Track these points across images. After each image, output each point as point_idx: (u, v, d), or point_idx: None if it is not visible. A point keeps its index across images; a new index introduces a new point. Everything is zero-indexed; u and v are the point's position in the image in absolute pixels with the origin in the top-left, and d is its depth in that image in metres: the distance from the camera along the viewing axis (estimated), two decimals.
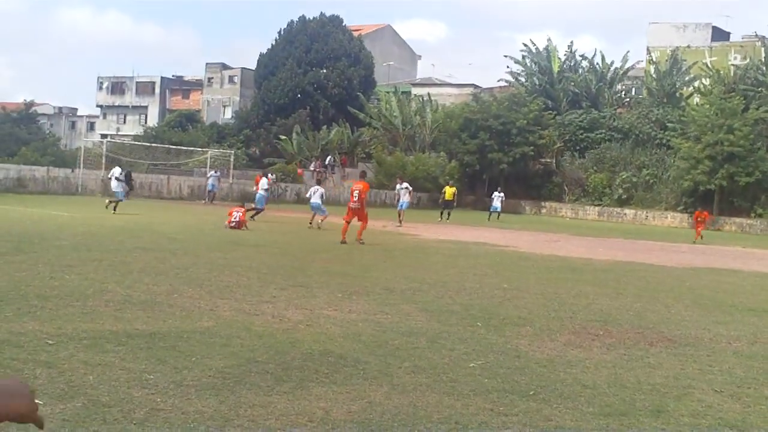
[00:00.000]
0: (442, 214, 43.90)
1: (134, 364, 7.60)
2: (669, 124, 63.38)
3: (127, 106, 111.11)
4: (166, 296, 11.56)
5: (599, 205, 63.02)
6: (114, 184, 33.20)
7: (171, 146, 63.42)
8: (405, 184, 38.52)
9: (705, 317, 12.96)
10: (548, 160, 66.49)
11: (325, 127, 73.41)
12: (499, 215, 48.65)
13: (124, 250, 17.67)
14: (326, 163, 67.23)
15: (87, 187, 47.39)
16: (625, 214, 60.98)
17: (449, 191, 44.15)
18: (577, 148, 66.87)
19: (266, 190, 33.74)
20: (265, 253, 19.12)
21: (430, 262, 19.85)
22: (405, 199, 37.96)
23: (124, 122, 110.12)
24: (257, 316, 10.47)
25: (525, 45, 75.83)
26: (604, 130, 66.09)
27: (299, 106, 76.75)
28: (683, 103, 66.36)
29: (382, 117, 70.98)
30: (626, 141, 64.95)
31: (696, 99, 66.44)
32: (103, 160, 49.41)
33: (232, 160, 57.64)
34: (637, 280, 18.55)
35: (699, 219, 38.91)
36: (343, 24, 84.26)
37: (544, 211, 65.17)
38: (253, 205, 31.99)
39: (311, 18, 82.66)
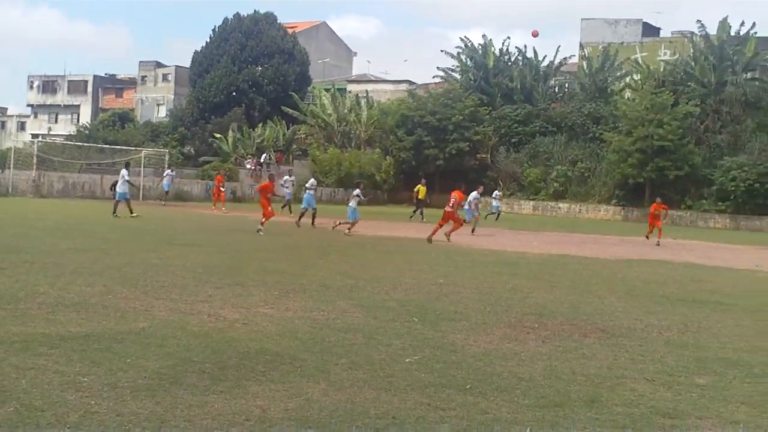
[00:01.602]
0: (414, 212, 42.79)
1: (68, 366, 7.51)
2: (601, 119, 64.14)
3: (59, 105, 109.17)
4: (100, 297, 11.43)
5: (534, 199, 63.51)
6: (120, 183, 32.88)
7: (105, 145, 62.65)
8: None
9: (637, 308, 13.18)
10: (484, 156, 66.83)
11: (260, 124, 72.98)
12: (498, 215, 46.28)
13: (57, 251, 17.41)
14: (262, 160, 66.86)
15: (18, 188, 46.61)
16: (560, 207, 61.54)
17: (422, 190, 43.60)
18: (512, 141, 67.24)
19: (312, 189, 32.78)
20: (200, 252, 18.97)
21: (366, 258, 19.87)
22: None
23: (56, 122, 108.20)
24: (193, 316, 10.40)
25: (462, 39, 76.15)
26: (538, 123, 66.60)
27: (234, 104, 76.23)
28: (615, 98, 67.19)
29: (317, 114, 70.77)
30: (560, 135, 65.55)
31: (627, 94, 67.31)
32: (34, 161, 48.62)
33: (167, 158, 57.03)
34: (571, 273, 18.78)
35: (655, 213, 32.83)
36: (278, 21, 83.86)
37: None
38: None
39: (245, 15, 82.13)
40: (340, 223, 28.42)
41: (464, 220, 29.71)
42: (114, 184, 48.63)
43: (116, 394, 6.71)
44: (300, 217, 30.94)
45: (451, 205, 27.73)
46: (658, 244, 30.66)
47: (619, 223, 53.65)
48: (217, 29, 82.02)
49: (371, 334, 9.82)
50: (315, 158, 64.02)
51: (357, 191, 30.21)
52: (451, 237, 26.94)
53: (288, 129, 73.12)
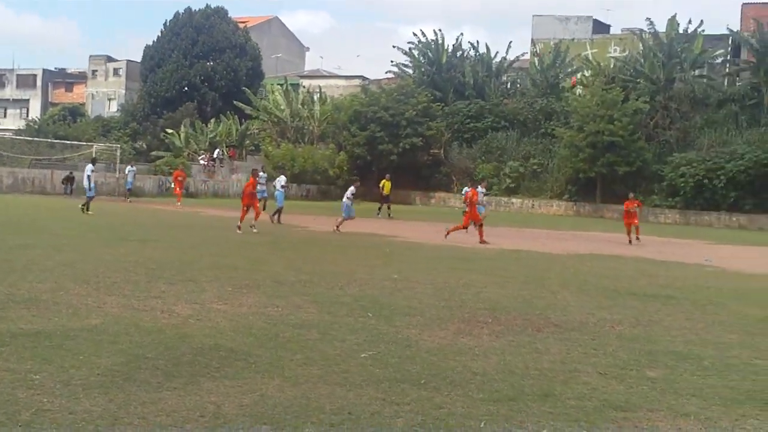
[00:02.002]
0: (380, 208, 42.47)
1: (19, 364, 7.42)
2: (553, 114, 64.60)
3: (8, 100, 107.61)
4: (52, 294, 11.30)
5: (487, 194, 63.70)
6: (84, 181, 32.30)
7: (55, 140, 61.90)
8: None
9: (589, 302, 13.30)
10: (437, 151, 66.95)
11: (213, 119, 72.55)
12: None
13: (6, 247, 17.19)
14: (215, 156, 66.48)
15: None
16: (513, 203, 61.85)
17: (387, 185, 43.32)
18: (465, 137, 67.44)
19: (283, 187, 33.35)
20: (152, 248, 18.82)
21: (320, 253, 19.84)
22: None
23: (5, 116, 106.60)
24: (146, 312, 10.32)
25: (415, 34, 76.41)
26: (491, 119, 66.83)
27: (186, 99, 75.74)
28: (566, 94, 67.71)
29: (270, 110, 70.47)
30: (512, 131, 65.88)
31: (578, 90, 67.86)
32: None
33: (118, 154, 56.48)
34: (525, 268, 18.91)
35: (630, 210, 30.82)
36: (229, 16, 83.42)
37: (433, 201, 65.57)
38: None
39: (197, 10, 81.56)
40: (337, 227, 28.11)
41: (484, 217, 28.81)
42: (66, 178, 48.18)
43: (69, 392, 6.64)
44: (278, 215, 30.70)
45: (465, 202, 27.88)
46: (638, 239, 29.84)
47: (572, 218, 54.08)
48: (168, 24, 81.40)
49: (326, 329, 9.81)
50: (268, 154, 63.72)
51: (352, 189, 30.35)
52: (451, 236, 26.73)
53: (241, 124, 72.74)
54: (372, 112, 63.95)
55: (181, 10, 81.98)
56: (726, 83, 65.23)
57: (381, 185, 44.10)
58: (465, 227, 27.30)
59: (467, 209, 27.54)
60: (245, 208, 25.88)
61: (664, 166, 56.06)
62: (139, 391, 6.77)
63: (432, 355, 8.70)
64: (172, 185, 47.10)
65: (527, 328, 10.58)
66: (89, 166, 33.07)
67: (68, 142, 60.14)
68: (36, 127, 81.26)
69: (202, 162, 64.40)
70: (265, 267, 16.15)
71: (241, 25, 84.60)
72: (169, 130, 70.36)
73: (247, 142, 73.06)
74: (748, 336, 10.90)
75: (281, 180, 33.71)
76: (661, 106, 60.69)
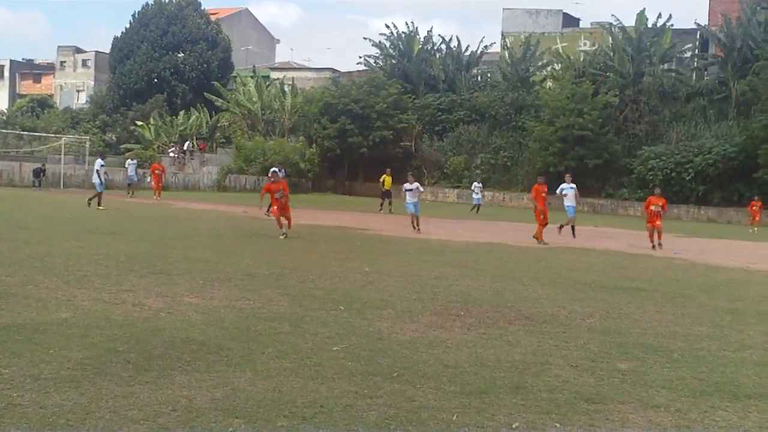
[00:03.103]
0: (382, 204, 41.93)
1: None
2: (524, 108, 64.79)
3: None
4: (21, 287, 11.21)
5: (458, 187, 63.86)
6: (94, 176, 31.82)
7: (23, 132, 61.40)
8: (416, 184, 28.88)
9: (560, 295, 13.37)
10: (408, 144, 66.98)
11: (182, 112, 72.23)
12: (479, 208, 46.01)
13: None
14: (185, 148, 66.23)
15: None
16: (484, 195, 62.01)
17: (388, 180, 42.76)
18: (436, 129, 67.56)
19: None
20: (123, 241, 18.71)
21: (291, 247, 19.80)
22: (413, 199, 28.60)
23: None
24: (117, 305, 10.27)
25: (387, 26, 76.38)
26: (462, 112, 66.93)
27: (156, 91, 75.39)
28: (537, 88, 67.96)
29: (242, 102, 70.21)
30: (483, 124, 66.04)
31: (549, 83, 68.11)
32: None
33: (87, 146, 56.14)
34: (496, 261, 18.99)
35: (654, 209, 26.38)
36: (201, 7, 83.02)
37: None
38: None
39: (167, 1, 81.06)
40: (415, 226, 27.50)
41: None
42: (37, 171, 47.73)
43: (39, 386, 6.59)
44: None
45: (534, 198, 26.22)
46: (660, 245, 25.38)
47: None
48: (137, 14, 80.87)
49: (297, 322, 9.80)
50: (240, 146, 63.50)
51: (416, 184, 28.55)
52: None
53: (211, 117, 72.45)
54: (342, 105, 63.85)
55: (151, 1, 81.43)
56: (694, 77, 65.77)
57: (381, 180, 43.61)
58: (544, 224, 25.64)
59: (538, 206, 25.93)
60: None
61: (633, 159, 56.49)
62: (110, 384, 6.73)
63: (404, 347, 8.71)
64: (149, 179, 46.32)
65: (499, 321, 10.63)
66: (99, 161, 32.72)
67: (37, 134, 59.69)
68: (4, 118, 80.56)
69: (171, 154, 64.10)
70: (236, 260, 16.10)
71: (212, 17, 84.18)
72: (139, 123, 69.97)
73: (218, 134, 72.81)
74: (717, 328, 11.00)
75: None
76: (630, 99, 61.06)
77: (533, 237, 25.50)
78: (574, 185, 29.42)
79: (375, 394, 6.89)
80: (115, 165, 56.13)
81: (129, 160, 46.92)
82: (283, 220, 22.19)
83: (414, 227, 27.59)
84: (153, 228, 23.40)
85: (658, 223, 26.05)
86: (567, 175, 31.36)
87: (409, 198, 28.23)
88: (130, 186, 44.04)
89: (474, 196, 47.60)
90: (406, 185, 28.76)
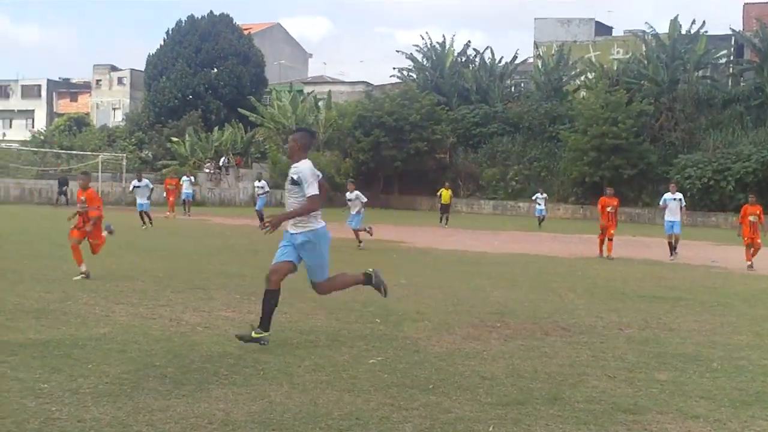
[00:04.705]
0: (441, 218, 40.76)
1: (27, 373, 7.42)
2: (557, 118, 64.62)
3: (13, 111, 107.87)
4: (60, 303, 11.32)
5: (494, 198, 63.80)
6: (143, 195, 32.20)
7: (61, 151, 62.06)
8: (357, 193, 26.07)
9: (597, 305, 13.28)
10: (442, 156, 66.96)
11: (217, 127, 72.65)
12: (542, 220, 43.33)
13: (14, 257, 17.24)
14: (220, 164, 66.61)
15: None
16: (520, 207, 61.83)
17: (446, 194, 41.48)
18: (470, 143, 67.54)
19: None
20: (159, 257, 18.85)
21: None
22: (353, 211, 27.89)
23: (11, 127, 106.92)
24: (154, 320, 10.34)
25: (422, 37, 76.60)
26: (496, 124, 66.85)
27: (191, 107, 75.86)
28: (570, 98, 67.79)
29: (276, 117, 70.50)
30: (517, 135, 65.94)
31: (582, 93, 67.91)
32: None
33: (124, 163, 56.69)
34: (532, 272, 18.91)
35: (752, 218, 22.86)
36: (234, 23, 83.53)
37: (438, 205, 65.66)
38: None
39: (200, 17, 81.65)
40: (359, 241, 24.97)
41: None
42: (61, 185, 47.74)
43: (77, 400, 6.64)
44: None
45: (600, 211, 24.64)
46: (752, 267, 21.94)
47: (579, 221, 54.02)
48: (171, 32, 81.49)
49: (334, 335, 9.81)
50: (275, 161, 63.73)
51: (356, 192, 25.79)
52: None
53: (246, 132, 72.83)
54: (376, 117, 63.96)
55: (184, 18, 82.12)
56: (730, 84, 65.27)
57: (438, 194, 42.31)
58: (602, 238, 24.36)
59: (602, 220, 24.29)
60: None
61: (670, 168, 56.04)
62: (147, 398, 6.77)
63: (440, 359, 8.69)
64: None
65: (535, 332, 10.57)
66: (146, 181, 33.45)
67: (74, 152, 60.25)
68: (42, 137, 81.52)
69: (206, 170, 64.48)
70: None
71: (245, 32, 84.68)
72: (174, 139, 70.46)
73: (253, 149, 73.16)
74: (757, 337, 10.88)
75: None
76: (665, 107, 60.72)
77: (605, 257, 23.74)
78: (679, 195, 25.36)
79: (411, 406, 6.87)
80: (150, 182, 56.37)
81: (184, 176, 45.13)
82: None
83: (358, 243, 24.53)
84: (189, 243, 23.56)
85: (757, 238, 22.63)
86: (672, 183, 27.25)
87: (352, 210, 25.51)
88: (186, 203, 42.47)
89: (537, 207, 44.31)
90: (347, 194, 26.17)
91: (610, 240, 24.07)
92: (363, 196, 25.92)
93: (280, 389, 7.23)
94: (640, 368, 8.62)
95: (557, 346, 9.71)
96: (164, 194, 42.98)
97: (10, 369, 7.56)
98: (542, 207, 43.80)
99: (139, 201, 32.00)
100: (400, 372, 8.04)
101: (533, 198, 45.70)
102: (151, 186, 33.31)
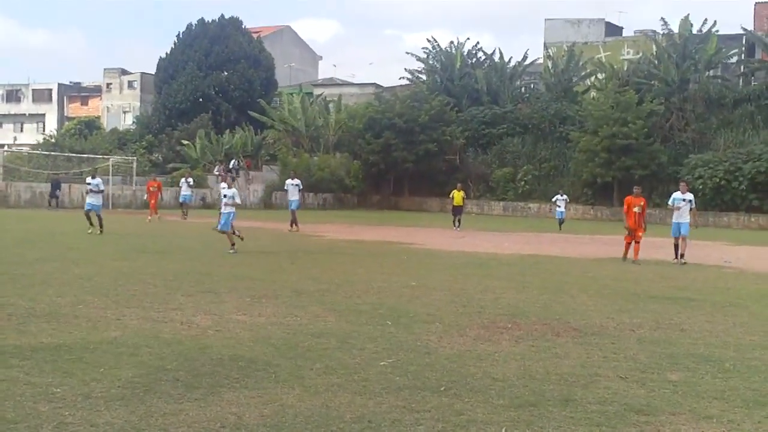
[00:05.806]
0: (454, 221, 38.74)
1: (40, 378, 7.44)
2: (567, 118, 64.53)
3: (24, 114, 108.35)
4: (71, 307, 11.34)
5: (504, 199, 63.73)
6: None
7: (72, 154, 62.12)
8: (233, 190, 23.53)
9: (609, 306, 13.25)
10: (452, 157, 66.91)
11: (227, 130, 72.67)
12: (562, 223, 41.97)
13: (26, 261, 17.26)
14: (231, 166, 66.60)
15: None
16: (530, 207, 61.81)
17: (458, 196, 39.75)
18: (480, 143, 67.52)
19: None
20: (170, 260, 18.88)
21: (337, 262, 19.83)
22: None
23: (22, 131, 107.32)
24: (165, 324, 10.35)
25: (428, 40, 76.62)
26: (505, 125, 66.79)
27: (201, 110, 75.90)
28: (580, 98, 67.68)
29: (286, 119, 70.55)
30: (527, 135, 65.89)
31: (592, 93, 67.80)
32: (0, 171, 48.15)
33: (134, 166, 56.71)
34: (543, 273, 18.86)
35: None
36: (243, 26, 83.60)
37: (449, 207, 65.65)
38: None
39: (210, 21, 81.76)
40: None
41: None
42: (54, 188, 47.74)
43: (90, 404, 6.66)
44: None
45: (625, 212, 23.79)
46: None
47: (590, 222, 53.95)
48: (181, 35, 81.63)
49: (345, 338, 9.81)
50: (285, 163, 63.77)
51: (233, 190, 23.40)
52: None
53: (256, 134, 72.87)
54: (386, 119, 64.00)
55: (194, 22, 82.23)
56: (741, 83, 65.14)
57: (450, 195, 40.87)
58: (629, 240, 23.34)
59: (628, 221, 23.40)
60: None
61: (681, 168, 55.86)
62: (159, 402, 6.78)
63: (451, 361, 8.68)
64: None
65: (547, 333, 10.55)
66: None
67: (85, 155, 60.33)
68: (53, 141, 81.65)
69: (216, 173, 64.52)
70: (283, 277, 16.16)
71: (255, 35, 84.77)
72: (185, 142, 70.51)
73: (263, 152, 73.19)
74: None
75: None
76: (676, 107, 60.60)
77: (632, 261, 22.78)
78: (690, 195, 24.74)
79: (423, 408, 6.87)
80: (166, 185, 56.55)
81: (183, 179, 44.92)
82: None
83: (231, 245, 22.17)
84: (199, 246, 23.58)
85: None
86: (682, 183, 26.27)
87: (223, 208, 23.00)
88: (183, 206, 42.18)
89: (558, 209, 42.72)
90: (223, 188, 24.17)
91: (637, 243, 23.11)
92: (238, 198, 23.47)
93: (291, 392, 7.24)
94: (652, 369, 8.60)
95: (569, 347, 9.70)
96: (145, 196, 42.56)
97: (23, 373, 7.58)
98: (562, 209, 42.59)
99: (88, 201, 28.57)
100: (411, 374, 8.04)
101: (553, 200, 44.66)
102: (102, 187, 29.65)
